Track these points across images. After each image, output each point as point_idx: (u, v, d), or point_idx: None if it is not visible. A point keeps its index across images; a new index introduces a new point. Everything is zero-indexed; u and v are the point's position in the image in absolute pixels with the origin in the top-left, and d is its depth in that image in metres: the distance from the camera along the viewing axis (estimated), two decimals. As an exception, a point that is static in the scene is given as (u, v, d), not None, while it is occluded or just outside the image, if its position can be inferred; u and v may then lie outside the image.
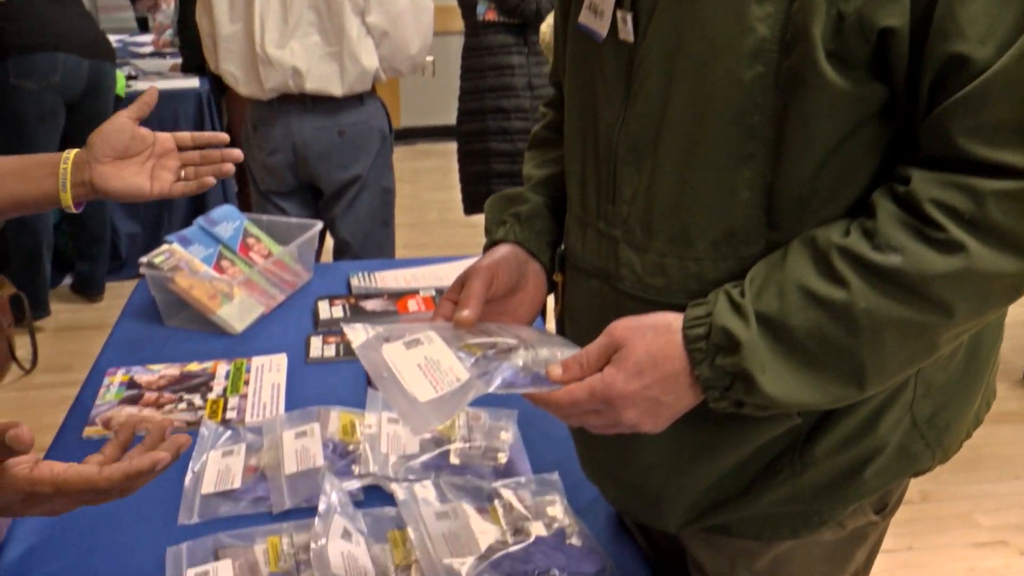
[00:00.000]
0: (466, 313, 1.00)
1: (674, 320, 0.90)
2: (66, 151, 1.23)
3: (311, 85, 2.60)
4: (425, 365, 0.92)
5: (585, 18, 1.00)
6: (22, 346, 3.61)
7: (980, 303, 0.83)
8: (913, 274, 0.81)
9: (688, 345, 0.88)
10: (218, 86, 4.43)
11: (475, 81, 3.23)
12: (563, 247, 1.13)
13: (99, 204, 4.03)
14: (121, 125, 1.25)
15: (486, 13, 3.17)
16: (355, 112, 2.68)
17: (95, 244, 4.07)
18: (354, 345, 0.96)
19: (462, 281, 1.05)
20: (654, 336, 0.89)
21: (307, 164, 2.70)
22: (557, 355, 0.97)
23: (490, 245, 1.15)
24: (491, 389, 0.89)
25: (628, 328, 0.91)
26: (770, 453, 0.99)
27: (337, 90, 2.62)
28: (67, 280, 4.30)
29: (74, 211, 1.24)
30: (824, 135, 0.85)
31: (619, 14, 0.94)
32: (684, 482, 1.03)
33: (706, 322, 0.87)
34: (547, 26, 2.93)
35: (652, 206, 0.95)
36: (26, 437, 0.78)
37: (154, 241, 4.23)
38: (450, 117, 6.78)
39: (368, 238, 2.80)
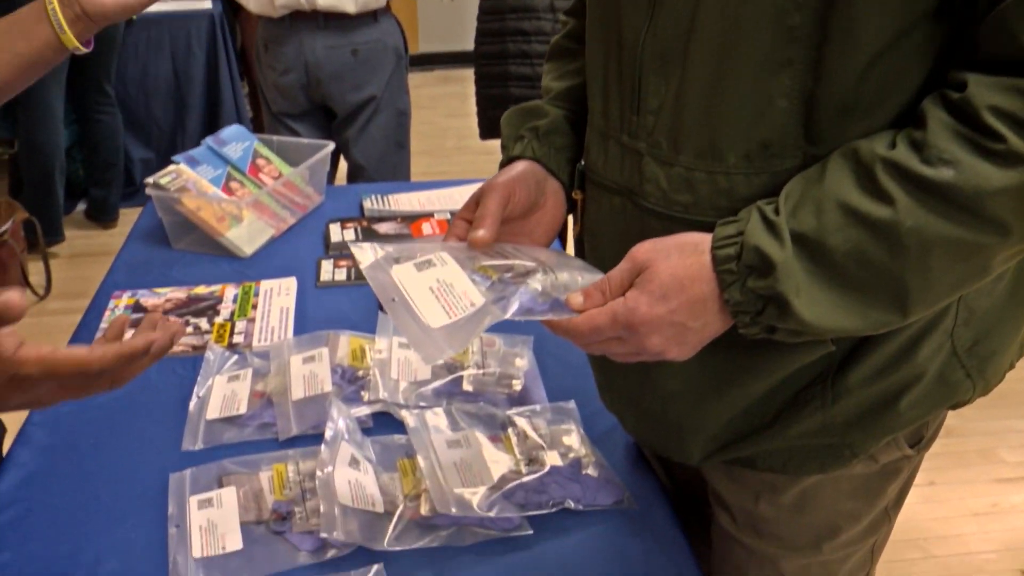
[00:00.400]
0: (481, 233, 0.93)
1: (701, 240, 0.83)
2: None
3: (323, 1, 2.51)
4: (438, 288, 0.86)
5: None
6: (36, 272, 3.59)
7: None
8: (967, 189, 0.73)
9: (717, 266, 0.81)
10: (231, 6, 4.33)
11: (495, 1, 3.12)
12: (583, 163, 1.05)
13: (111, 129, 3.95)
14: None
15: None
16: (369, 30, 2.59)
17: (108, 169, 4.01)
18: (362, 266, 0.91)
19: (477, 199, 0.98)
20: (679, 257, 0.83)
21: (320, 85, 2.62)
22: (577, 279, 0.91)
23: (506, 162, 1.08)
24: (508, 315, 0.83)
25: (651, 250, 0.84)
26: (800, 382, 0.93)
27: (350, 7, 2.52)
28: (81, 206, 4.26)
29: (84, 50, 1.16)
30: (872, 36, 0.77)
31: None
32: (707, 412, 0.98)
33: (737, 241, 0.81)
34: None
35: (680, 117, 0.87)
36: (16, 302, 0.71)
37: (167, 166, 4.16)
38: (469, 42, 6.61)
39: (382, 161, 2.72)
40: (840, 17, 0.77)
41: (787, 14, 0.78)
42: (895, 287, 0.78)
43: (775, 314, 0.80)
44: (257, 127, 4.67)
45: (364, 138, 2.69)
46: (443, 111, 5.75)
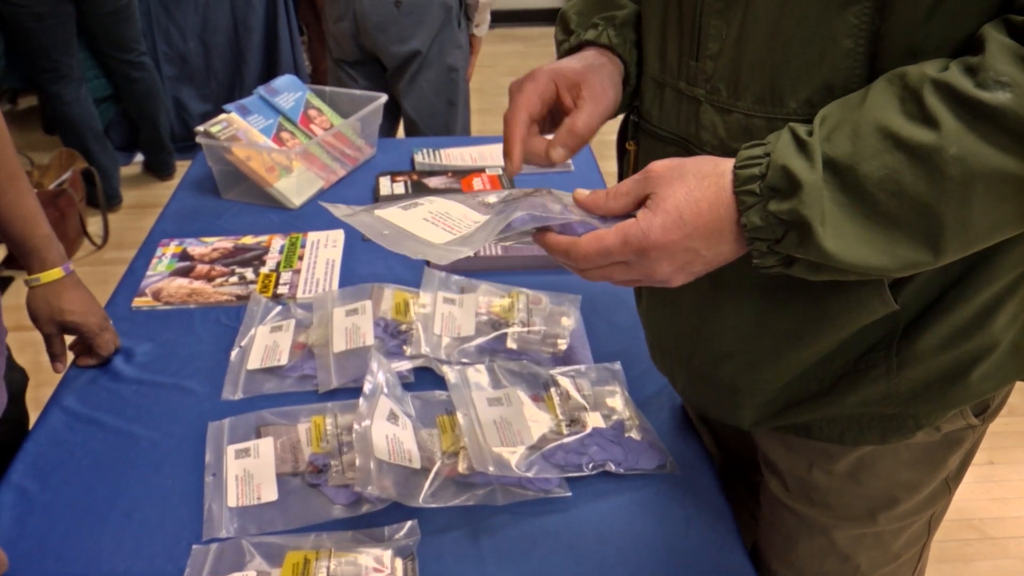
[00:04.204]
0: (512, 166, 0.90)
1: (723, 161, 0.78)
2: None
3: None
4: (433, 217, 0.82)
5: None
6: (94, 223, 3.62)
7: None
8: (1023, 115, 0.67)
9: (738, 187, 0.75)
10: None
11: None
12: (636, 112, 1.00)
13: (144, 93, 3.87)
14: None
15: None
16: None
17: (152, 130, 3.99)
18: (336, 215, 0.85)
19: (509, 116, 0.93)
20: (696, 179, 0.77)
21: (367, 35, 2.59)
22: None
23: (569, 50, 1.01)
24: (512, 219, 0.79)
25: (667, 167, 0.79)
26: (862, 346, 0.88)
27: None
28: (139, 158, 4.28)
29: None
30: None
31: None
32: (762, 374, 0.93)
33: (762, 161, 0.74)
34: None
35: (740, 61, 0.82)
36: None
37: (228, 120, 4.16)
38: (530, 0, 6.55)
39: (433, 117, 2.68)
40: None
41: None
42: (929, 223, 0.71)
43: (795, 242, 0.74)
44: (316, 80, 4.66)
45: (414, 92, 2.65)
46: (503, 69, 5.68)
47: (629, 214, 0.80)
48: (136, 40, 3.78)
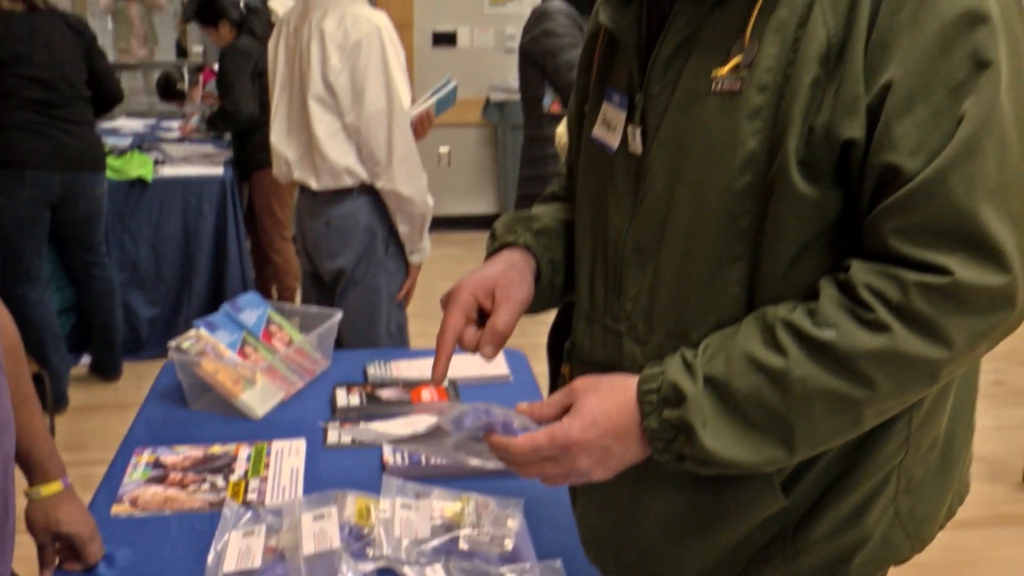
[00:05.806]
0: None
1: (630, 378, 1.01)
2: None
3: (297, 175, 2.80)
4: (403, 424, 1.12)
5: (599, 132, 1.13)
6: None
7: (900, 382, 0.92)
8: (844, 348, 0.91)
9: (640, 398, 0.98)
10: (239, 171, 4.61)
11: (537, 168, 3.39)
12: (570, 341, 1.22)
13: (102, 293, 4.08)
14: None
15: (551, 105, 3.44)
16: (341, 205, 2.77)
17: (106, 332, 4.14)
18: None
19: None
20: (609, 391, 1.01)
21: (308, 249, 2.87)
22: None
23: (493, 252, 1.24)
24: (463, 408, 1.05)
25: (586, 382, 1.03)
26: (763, 538, 1.07)
27: (314, 184, 2.77)
28: (85, 359, 4.36)
29: None
30: (794, 238, 0.96)
31: (630, 129, 1.08)
32: (682, 564, 1.11)
33: (659, 379, 0.98)
34: (563, 128, 3.08)
35: (654, 302, 1.06)
36: None
37: (173, 323, 4.33)
38: (463, 207, 6.93)
39: (353, 333, 2.82)
40: (772, 222, 0.96)
41: (737, 218, 0.98)
42: (783, 428, 0.94)
43: (684, 441, 0.96)
44: (257, 286, 4.87)
45: (341, 306, 2.75)
46: (437, 273, 5.91)
47: (558, 419, 1.02)
48: (100, 243, 4.04)
